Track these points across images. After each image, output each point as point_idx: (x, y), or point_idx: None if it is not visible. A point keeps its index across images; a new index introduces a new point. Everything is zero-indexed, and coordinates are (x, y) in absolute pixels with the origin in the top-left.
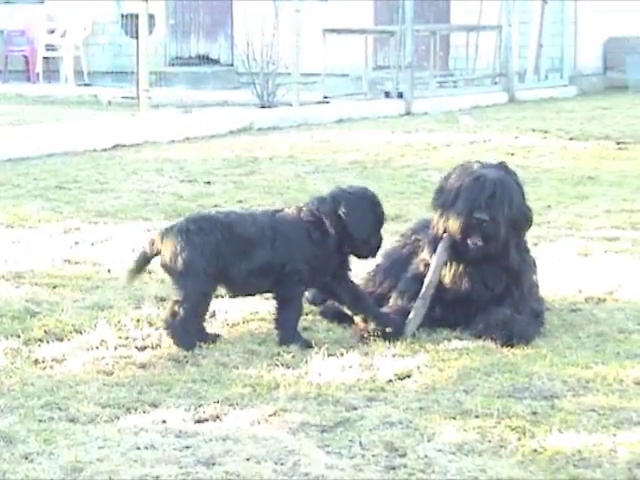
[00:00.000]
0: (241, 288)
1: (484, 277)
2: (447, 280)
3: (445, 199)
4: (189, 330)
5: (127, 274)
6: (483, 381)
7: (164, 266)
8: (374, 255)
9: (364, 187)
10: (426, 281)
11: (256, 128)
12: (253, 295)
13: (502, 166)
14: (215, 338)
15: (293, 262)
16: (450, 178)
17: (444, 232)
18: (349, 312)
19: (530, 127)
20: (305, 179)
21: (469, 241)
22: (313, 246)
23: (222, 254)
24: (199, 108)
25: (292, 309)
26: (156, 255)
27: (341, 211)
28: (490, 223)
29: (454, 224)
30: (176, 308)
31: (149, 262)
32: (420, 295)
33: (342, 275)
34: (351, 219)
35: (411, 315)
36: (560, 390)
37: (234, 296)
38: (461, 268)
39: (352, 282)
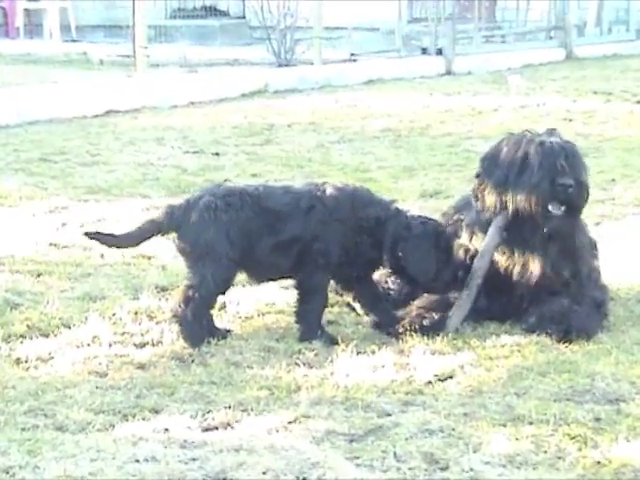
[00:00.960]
0: (262, 270)
1: (552, 260)
2: (501, 265)
3: (505, 173)
4: (201, 321)
5: (119, 238)
6: (537, 382)
7: (180, 246)
8: (446, 290)
9: (425, 219)
10: (474, 268)
11: (272, 90)
12: (275, 279)
13: (555, 132)
14: (225, 334)
15: (325, 241)
16: (502, 150)
17: (503, 210)
18: (360, 311)
19: (591, 89)
20: (329, 149)
21: (550, 207)
22: (354, 233)
23: (249, 232)
24: (205, 68)
25: (316, 299)
26: (169, 231)
27: (400, 251)
28: (576, 188)
29: (530, 197)
30: (190, 293)
31: (153, 236)
32: (465, 285)
33: (368, 272)
34: (411, 263)
35: (454, 308)
36: (627, 393)
37: (254, 281)
38: (518, 252)
39: (372, 281)
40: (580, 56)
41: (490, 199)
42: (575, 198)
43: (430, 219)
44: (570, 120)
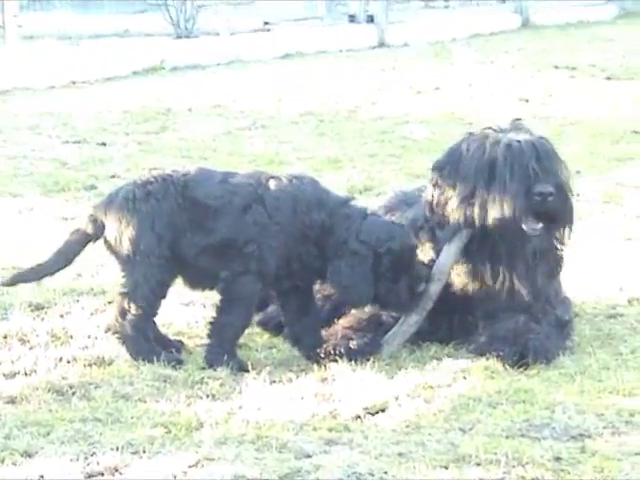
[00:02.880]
0: (195, 274)
1: (527, 282)
2: (456, 286)
3: (471, 184)
4: (145, 333)
5: (47, 264)
6: (486, 415)
7: (109, 248)
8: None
9: (384, 227)
10: (428, 289)
11: (169, 67)
12: (211, 288)
13: (521, 126)
14: (179, 346)
15: (259, 245)
16: (462, 155)
17: (468, 227)
18: (284, 324)
19: (552, 62)
20: (238, 137)
21: (525, 227)
22: (296, 241)
23: (174, 226)
24: (89, 40)
25: (238, 312)
26: (100, 236)
27: (328, 272)
28: (557, 195)
29: (504, 209)
30: (125, 304)
31: (83, 248)
32: (414, 307)
33: (310, 283)
34: (339, 287)
35: (393, 332)
36: (593, 427)
37: (190, 287)
38: (483, 273)
39: (311, 291)
40: (539, 23)
41: (454, 215)
42: (558, 208)
43: (392, 226)
44: (527, 100)
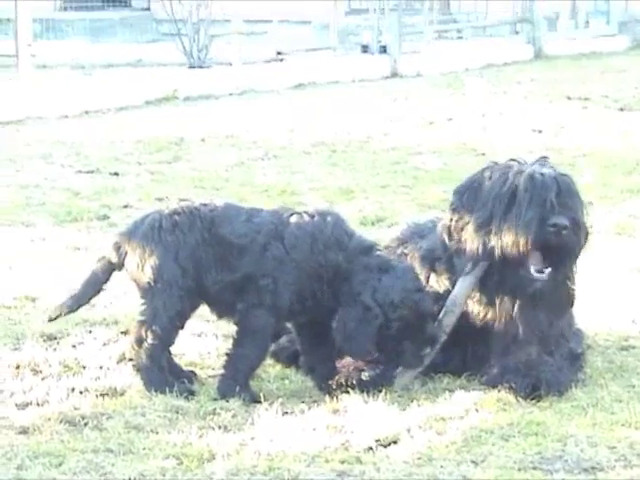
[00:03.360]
0: (221, 307)
1: (539, 317)
2: (470, 317)
3: (489, 209)
4: (159, 363)
5: (78, 295)
6: (498, 448)
7: (131, 275)
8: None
9: (403, 288)
10: (441, 321)
11: (182, 97)
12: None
13: (546, 162)
14: (190, 376)
15: (274, 279)
16: (484, 182)
17: (486, 257)
18: (300, 352)
19: (564, 93)
20: (250, 168)
21: (533, 269)
22: (311, 280)
23: (199, 260)
24: (102, 69)
25: (253, 344)
26: (124, 264)
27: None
28: (571, 230)
29: (516, 236)
30: (142, 332)
31: (110, 276)
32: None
33: (328, 320)
34: (339, 338)
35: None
36: (606, 460)
37: (217, 317)
38: (498, 304)
39: (330, 325)
40: (551, 54)
41: (470, 241)
42: (569, 243)
43: (410, 291)
44: (540, 131)
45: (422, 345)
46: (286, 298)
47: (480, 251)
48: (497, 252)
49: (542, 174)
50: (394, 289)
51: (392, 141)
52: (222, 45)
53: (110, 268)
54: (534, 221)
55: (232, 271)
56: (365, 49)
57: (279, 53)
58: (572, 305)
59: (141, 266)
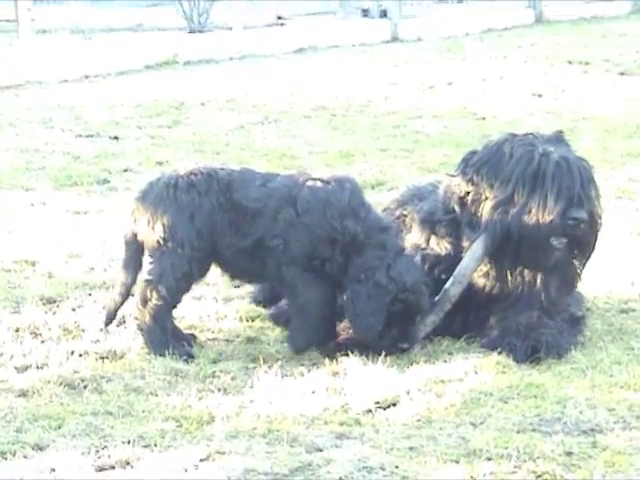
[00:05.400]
0: (236, 270)
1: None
2: (476, 286)
3: (512, 187)
4: (163, 325)
5: (122, 279)
6: (497, 410)
7: (140, 234)
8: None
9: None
10: (445, 292)
11: (182, 61)
12: (249, 282)
13: (562, 140)
14: (190, 339)
15: (285, 239)
16: (504, 157)
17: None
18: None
19: (565, 57)
20: (251, 132)
21: (554, 241)
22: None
23: (213, 224)
24: (102, 34)
25: (304, 296)
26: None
27: (345, 294)
28: (588, 224)
29: (540, 224)
30: (147, 292)
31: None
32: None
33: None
34: (351, 313)
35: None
36: (604, 421)
37: (232, 279)
38: (505, 276)
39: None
40: (552, 18)
41: (488, 216)
42: (585, 235)
43: (419, 278)
44: (540, 95)
45: (402, 336)
46: (299, 252)
47: (498, 229)
48: (516, 232)
49: (567, 160)
50: (408, 272)
51: (392, 105)
52: (222, 9)
53: (136, 237)
54: (558, 213)
55: (246, 236)
56: (365, 13)
57: (279, 17)
58: (576, 285)
59: (152, 224)
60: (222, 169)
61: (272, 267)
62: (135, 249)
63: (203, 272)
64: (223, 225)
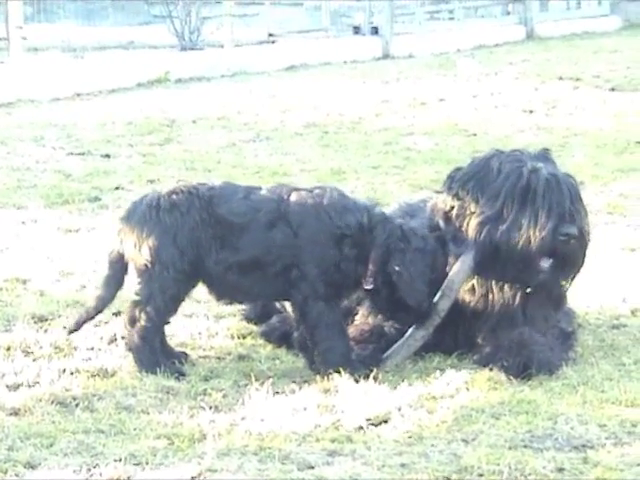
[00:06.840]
0: (224, 290)
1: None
2: (463, 301)
3: (500, 203)
4: (152, 344)
5: (100, 294)
6: (489, 426)
7: (127, 255)
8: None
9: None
10: (436, 304)
11: (174, 79)
12: (240, 303)
13: (548, 157)
14: (182, 358)
15: (300, 267)
16: (492, 172)
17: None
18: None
19: (556, 73)
20: (242, 149)
21: (542, 263)
22: (331, 248)
23: (198, 241)
24: (94, 52)
25: (328, 334)
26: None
27: (395, 265)
28: (577, 240)
29: (530, 240)
30: (136, 313)
31: (126, 264)
32: (420, 322)
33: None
34: (406, 280)
35: (399, 345)
36: (596, 437)
37: (218, 301)
38: (492, 292)
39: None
40: (543, 35)
41: (474, 231)
42: (575, 251)
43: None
44: (531, 112)
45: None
46: (318, 277)
47: (486, 243)
48: (504, 248)
49: (556, 177)
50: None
51: (384, 122)
52: (214, 27)
53: (121, 257)
54: (549, 230)
55: (236, 250)
56: (357, 30)
57: (271, 35)
58: (563, 305)
59: (138, 246)
60: (202, 185)
61: (297, 301)
62: (119, 268)
63: (189, 291)
64: (208, 240)
